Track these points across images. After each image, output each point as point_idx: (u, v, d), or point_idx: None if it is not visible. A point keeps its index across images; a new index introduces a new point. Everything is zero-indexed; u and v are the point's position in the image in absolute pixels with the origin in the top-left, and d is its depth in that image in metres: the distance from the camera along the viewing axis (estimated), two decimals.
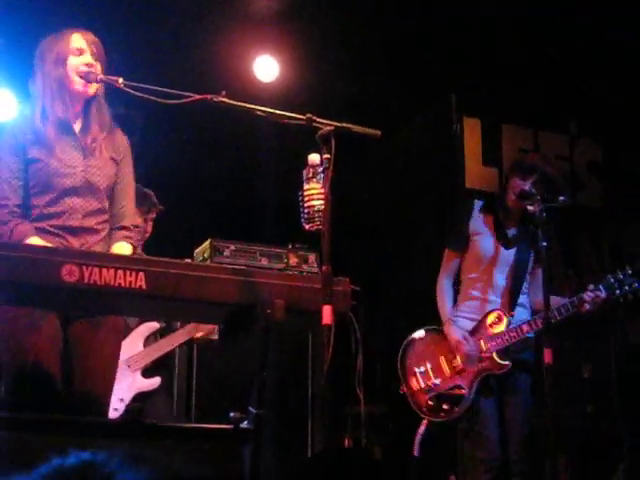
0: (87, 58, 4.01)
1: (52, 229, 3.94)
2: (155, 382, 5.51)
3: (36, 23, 5.75)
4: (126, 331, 5.38)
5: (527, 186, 4.95)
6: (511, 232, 5.15)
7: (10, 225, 3.88)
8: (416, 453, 5.34)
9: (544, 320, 4.62)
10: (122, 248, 4.09)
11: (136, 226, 4.28)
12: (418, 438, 5.28)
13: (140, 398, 5.43)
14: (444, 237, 5.34)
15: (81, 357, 3.96)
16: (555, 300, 4.92)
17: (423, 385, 5.09)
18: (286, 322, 3.38)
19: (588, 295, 4.95)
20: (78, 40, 4.03)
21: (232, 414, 3.31)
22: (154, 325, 5.51)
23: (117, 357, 4.18)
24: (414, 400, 5.12)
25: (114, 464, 3.05)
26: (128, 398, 5.35)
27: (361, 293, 3.56)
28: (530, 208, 4.83)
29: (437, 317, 5.18)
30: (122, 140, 4.22)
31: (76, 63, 4.00)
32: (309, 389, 6.20)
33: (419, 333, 5.23)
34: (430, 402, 5.04)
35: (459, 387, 5.00)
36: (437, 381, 5.06)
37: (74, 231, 3.96)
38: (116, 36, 4.23)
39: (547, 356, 4.43)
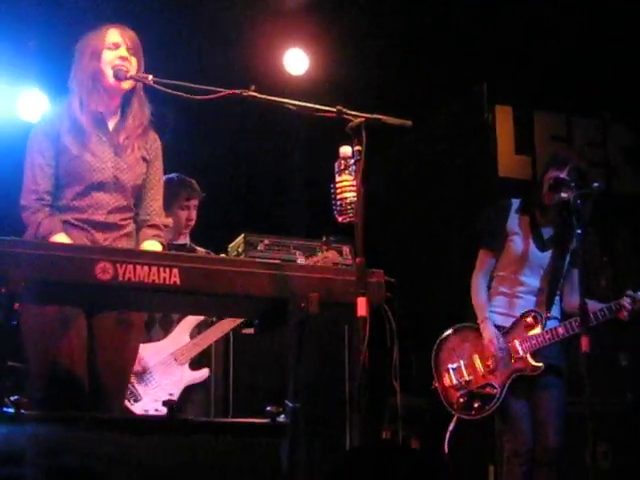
0: (122, 52, 4.01)
1: (77, 222, 3.95)
2: (203, 374, 5.45)
3: (69, 24, 5.79)
4: (169, 325, 5.40)
5: (562, 174, 4.91)
6: (547, 233, 5.09)
7: (38, 217, 3.90)
8: (446, 450, 5.32)
9: (581, 323, 4.57)
10: (153, 246, 4.08)
11: (166, 225, 4.29)
12: (448, 435, 5.26)
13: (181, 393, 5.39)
14: (478, 236, 5.28)
15: (104, 351, 3.97)
16: (591, 305, 4.83)
17: (455, 382, 5.05)
18: (321, 315, 3.37)
19: (627, 302, 4.89)
20: (114, 35, 4.04)
21: (269, 408, 3.30)
22: (198, 317, 5.39)
23: (136, 353, 4.24)
24: (445, 396, 5.09)
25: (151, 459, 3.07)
26: (178, 392, 5.27)
27: (395, 284, 3.55)
28: (564, 195, 4.81)
29: (470, 309, 5.14)
30: (155, 141, 4.21)
31: (111, 57, 4.00)
32: (346, 382, 6.20)
33: (454, 329, 5.20)
34: (461, 399, 5.01)
35: (491, 386, 4.96)
36: (469, 378, 5.02)
37: (98, 226, 3.97)
38: (147, 32, 4.21)
39: (584, 343, 4.40)
